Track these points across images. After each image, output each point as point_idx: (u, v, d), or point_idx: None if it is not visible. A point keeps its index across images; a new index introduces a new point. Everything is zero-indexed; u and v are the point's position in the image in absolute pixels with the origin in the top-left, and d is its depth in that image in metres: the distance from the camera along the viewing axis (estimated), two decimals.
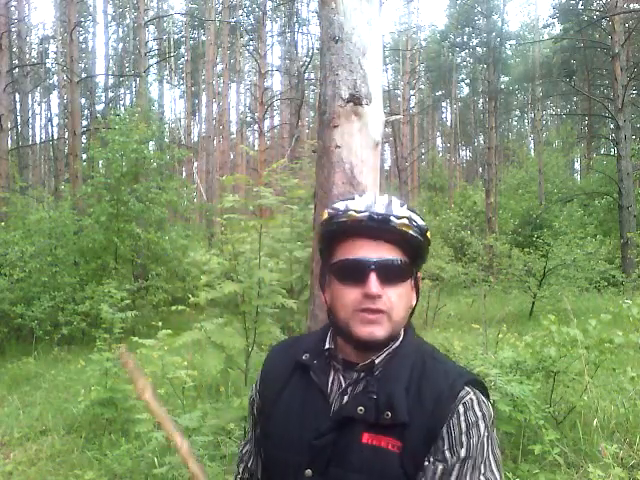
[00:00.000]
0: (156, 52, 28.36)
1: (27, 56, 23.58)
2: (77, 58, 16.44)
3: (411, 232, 0.97)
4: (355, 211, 0.96)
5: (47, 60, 28.67)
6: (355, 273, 0.96)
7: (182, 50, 32.55)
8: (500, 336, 4.93)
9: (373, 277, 0.94)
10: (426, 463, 0.92)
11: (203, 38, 29.72)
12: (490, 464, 0.92)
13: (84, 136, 21.33)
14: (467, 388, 0.96)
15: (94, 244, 10.65)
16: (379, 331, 0.95)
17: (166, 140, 16.96)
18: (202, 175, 25.95)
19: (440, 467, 0.90)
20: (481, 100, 31.38)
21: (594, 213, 19.08)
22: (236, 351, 3.82)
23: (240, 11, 27.93)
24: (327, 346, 1.04)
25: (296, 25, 22.20)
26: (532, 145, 35.86)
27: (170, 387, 4.05)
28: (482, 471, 0.91)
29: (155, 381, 5.13)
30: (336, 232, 1.00)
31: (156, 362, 3.75)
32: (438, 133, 43.11)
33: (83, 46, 30.77)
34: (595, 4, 22.05)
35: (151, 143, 13.60)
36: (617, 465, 2.81)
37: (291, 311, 4.54)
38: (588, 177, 23.33)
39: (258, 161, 18.63)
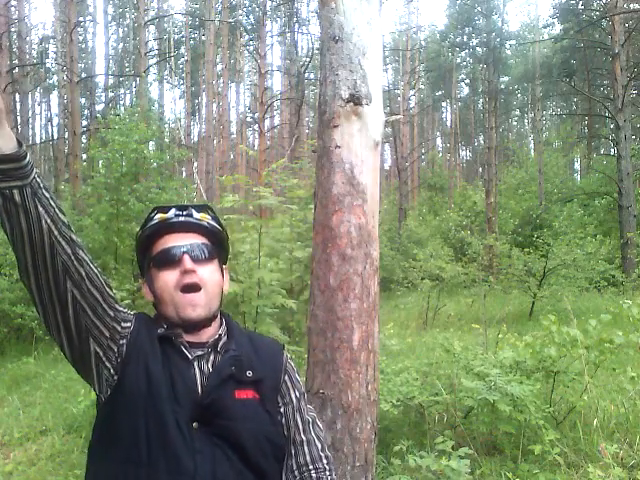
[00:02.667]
0: (156, 52, 28.35)
1: (27, 56, 23.54)
2: (77, 58, 16.46)
3: (209, 221, 1.25)
4: (164, 214, 1.22)
5: (47, 60, 28.66)
6: (171, 258, 1.18)
7: (182, 50, 32.54)
8: (500, 336, 4.94)
9: (186, 257, 1.17)
10: (282, 408, 1.23)
11: (203, 38, 29.70)
12: (305, 395, 1.31)
13: (84, 136, 21.33)
14: (284, 350, 1.33)
15: (94, 244, 10.65)
16: (201, 309, 1.17)
17: (166, 140, 16.93)
18: (202, 175, 25.93)
19: (291, 406, 1.24)
20: (481, 100, 31.35)
21: (594, 213, 19.05)
22: None
23: (240, 11, 27.92)
24: (162, 331, 1.19)
25: (296, 25, 22.19)
26: (532, 145, 35.84)
27: None
28: (306, 400, 1.30)
29: None
30: (152, 234, 1.22)
31: None
32: (438, 133, 43.09)
33: (83, 46, 30.77)
34: (595, 4, 22.02)
35: (151, 143, 13.59)
36: (617, 465, 2.81)
37: (291, 311, 4.54)
38: (588, 177, 23.30)
39: (258, 161, 18.62)
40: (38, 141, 31.06)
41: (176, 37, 33.33)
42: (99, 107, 28.23)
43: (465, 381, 3.31)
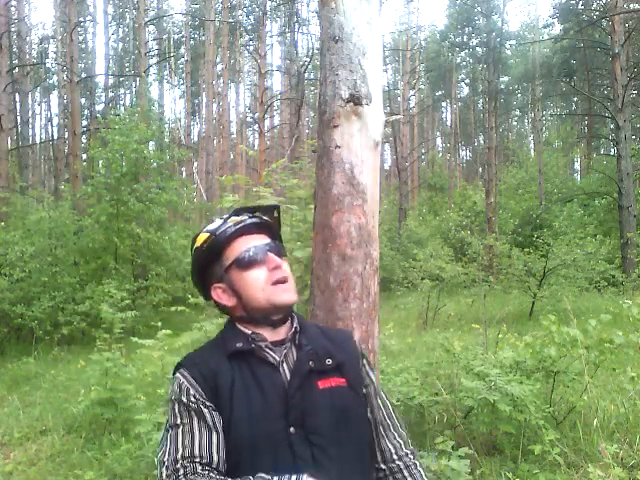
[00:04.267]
0: (156, 52, 28.35)
1: (27, 56, 23.52)
2: (77, 58, 16.46)
3: (271, 222, 1.32)
4: (237, 217, 1.27)
5: (47, 60, 28.65)
6: (256, 257, 1.24)
7: (182, 50, 32.50)
8: (500, 336, 4.94)
9: (271, 254, 1.25)
10: (364, 390, 1.27)
11: (203, 38, 29.67)
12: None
13: (84, 136, 21.33)
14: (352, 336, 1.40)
15: (94, 244, 10.65)
16: (292, 295, 1.25)
17: (166, 140, 16.92)
18: (202, 175, 25.92)
19: (372, 387, 1.30)
20: (481, 100, 31.34)
21: (594, 213, 19.04)
22: None
23: (240, 11, 27.90)
24: (250, 332, 1.24)
25: (296, 25, 22.15)
26: (532, 145, 35.85)
27: None
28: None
29: (155, 381, 5.14)
30: (222, 241, 1.25)
31: (156, 362, 3.74)
32: (438, 133, 43.08)
33: (83, 46, 30.75)
34: (595, 4, 22.02)
35: (151, 143, 13.58)
36: (617, 465, 2.81)
37: None
38: (588, 177, 23.29)
39: (258, 161, 18.60)
40: (38, 141, 31.03)
41: (176, 37, 33.29)
42: (99, 107, 28.22)
43: (465, 381, 3.31)
